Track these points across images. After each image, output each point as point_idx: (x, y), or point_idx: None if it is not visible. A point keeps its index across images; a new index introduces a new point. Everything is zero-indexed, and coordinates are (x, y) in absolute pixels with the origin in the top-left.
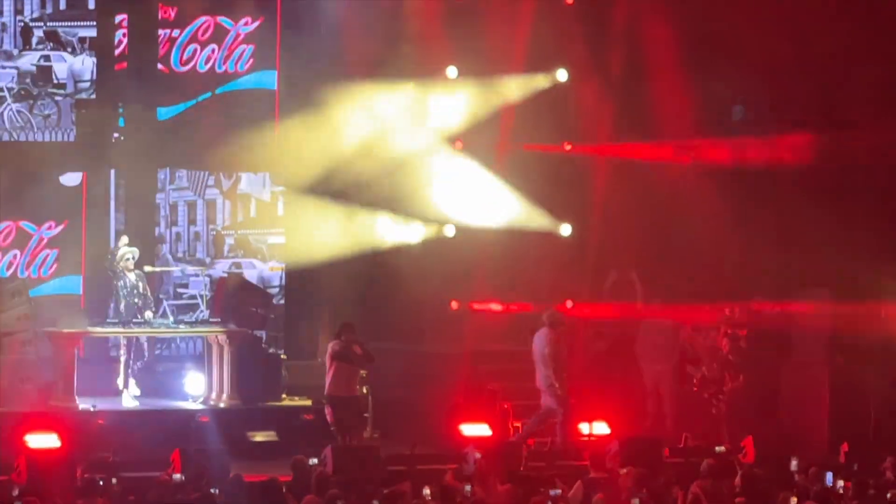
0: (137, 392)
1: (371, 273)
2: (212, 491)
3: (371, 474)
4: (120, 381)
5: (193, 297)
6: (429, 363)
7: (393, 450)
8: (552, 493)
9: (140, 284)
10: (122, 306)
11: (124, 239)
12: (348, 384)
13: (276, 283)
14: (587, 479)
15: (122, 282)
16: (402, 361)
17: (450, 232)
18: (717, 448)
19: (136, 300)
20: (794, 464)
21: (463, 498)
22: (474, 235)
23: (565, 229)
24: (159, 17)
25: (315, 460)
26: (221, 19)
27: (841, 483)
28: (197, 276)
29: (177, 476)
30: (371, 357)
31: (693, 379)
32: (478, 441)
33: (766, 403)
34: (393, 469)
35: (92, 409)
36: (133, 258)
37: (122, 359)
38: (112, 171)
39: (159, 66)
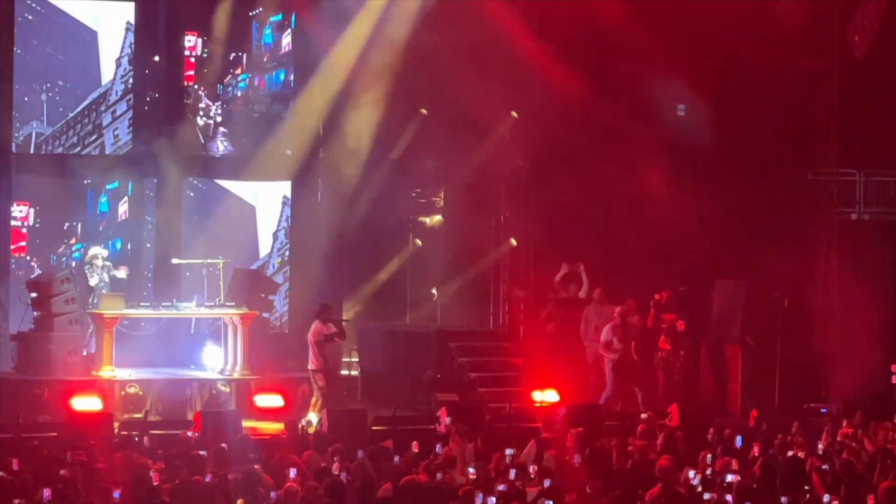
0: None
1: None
2: (223, 446)
3: (360, 433)
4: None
5: None
6: (409, 339)
7: (378, 413)
8: (507, 452)
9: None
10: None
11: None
12: (334, 359)
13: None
14: (539, 439)
15: (96, 280)
16: (386, 339)
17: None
18: (641, 415)
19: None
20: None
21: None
22: None
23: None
24: None
25: (304, 421)
26: None
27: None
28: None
29: (195, 434)
30: (344, 334)
31: (659, 354)
32: (449, 406)
33: (691, 375)
34: (377, 429)
35: (128, 378)
36: (102, 258)
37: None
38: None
39: None
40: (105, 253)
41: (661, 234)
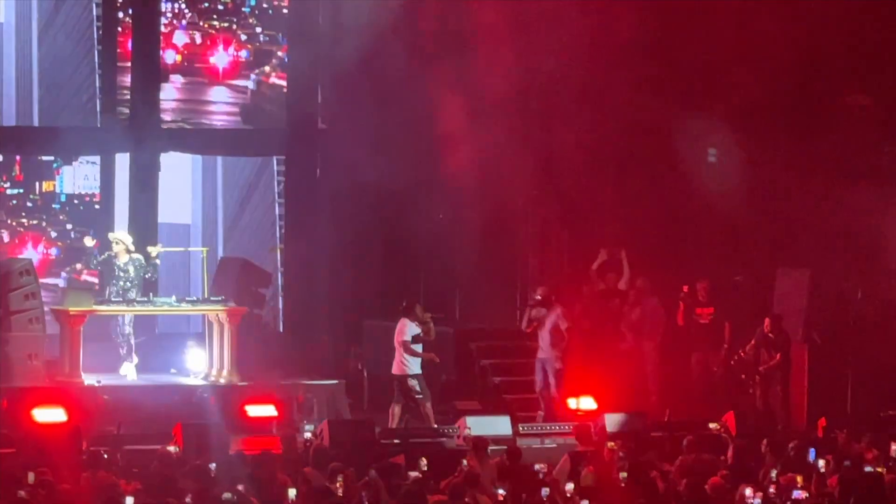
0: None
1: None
2: (210, 466)
3: (366, 447)
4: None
5: None
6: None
7: (386, 424)
8: (536, 467)
9: (131, 269)
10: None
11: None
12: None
13: None
14: (574, 453)
15: (113, 266)
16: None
17: None
18: (710, 425)
19: (124, 283)
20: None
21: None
22: None
23: None
24: None
25: (308, 434)
26: None
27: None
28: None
29: (174, 449)
30: (431, 332)
31: (730, 360)
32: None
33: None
34: (387, 442)
35: (97, 384)
36: (122, 243)
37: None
38: None
39: None
40: (128, 238)
41: (714, 214)
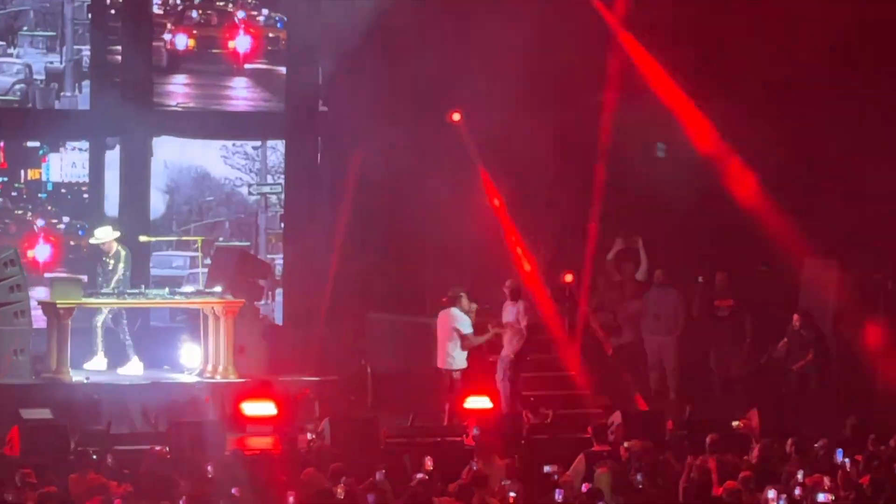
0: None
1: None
2: (207, 468)
3: (370, 447)
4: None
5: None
6: (429, 334)
7: (391, 422)
8: (546, 469)
9: (110, 262)
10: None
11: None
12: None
13: None
14: (590, 453)
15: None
16: (400, 332)
17: None
18: (733, 423)
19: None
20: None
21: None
22: None
23: None
24: None
25: (311, 435)
26: None
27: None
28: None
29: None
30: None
31: (759, 359)
32: (479, 414)
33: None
34: (392, 441)
35: (85, 381)
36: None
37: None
38: None
39: None
40: (106, 233)
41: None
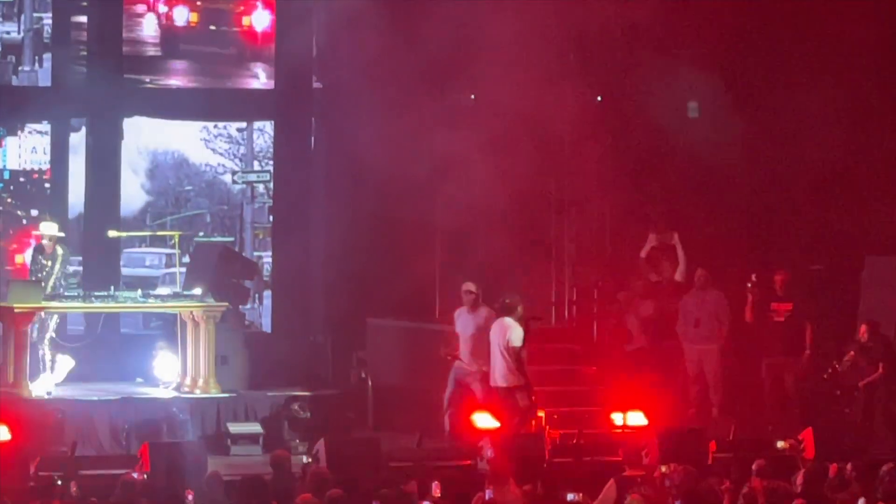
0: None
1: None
2: (187, 494)
3: (372, 471)
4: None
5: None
6: (438, 342)
7: (395, 443)
8: (569, 497)
9: (47, 264)
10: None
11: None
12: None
13: None
14: (621, 478)
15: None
16: (406, 341)
17: None
18: (778, 443)
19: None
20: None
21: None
22: None
23: None
24: None
25: (306, 458)
26: None
27: None
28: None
29: (141, 475)
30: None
31: (822, 374)
32: (492, 434)
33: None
34: (396, 465)
35: (47, 396)
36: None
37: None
38: None
39: None
40: (50, 228)
41: (788, 191)
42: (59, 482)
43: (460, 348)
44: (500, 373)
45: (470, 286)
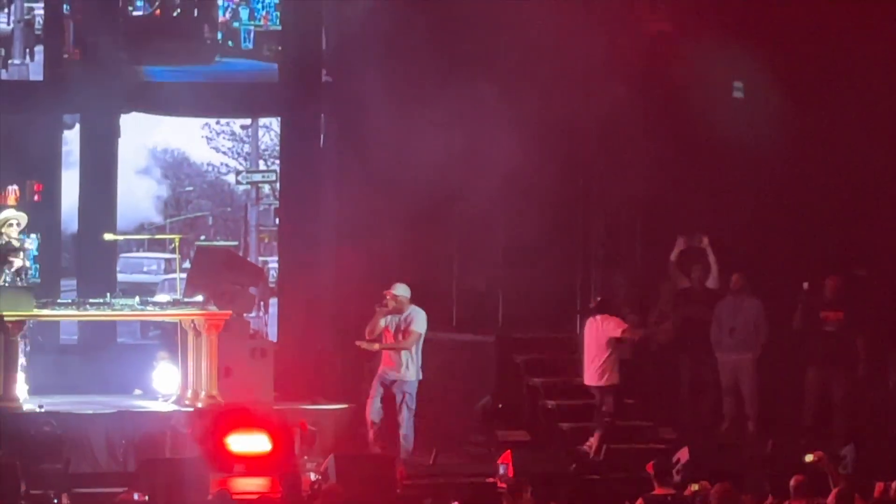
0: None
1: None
2: None
3: (385, 490)
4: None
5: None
6: (455, 352)
7: (410, 459)
8: None
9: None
10: None
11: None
12: None
13: None
14: (650, 497)
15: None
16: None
17: None
18: (806, 457)
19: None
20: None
21: None
22: None
23: None
24: None
25: (314, 476)
26: None
27: None
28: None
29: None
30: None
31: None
32: (516, 448)
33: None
34: (410, 483)
35: (39, 410)
36: (18, 224)
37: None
38: None
39: None
40: (23, 218)
41: (830, 194)
42: (56, 501)
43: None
44: (603, 372)
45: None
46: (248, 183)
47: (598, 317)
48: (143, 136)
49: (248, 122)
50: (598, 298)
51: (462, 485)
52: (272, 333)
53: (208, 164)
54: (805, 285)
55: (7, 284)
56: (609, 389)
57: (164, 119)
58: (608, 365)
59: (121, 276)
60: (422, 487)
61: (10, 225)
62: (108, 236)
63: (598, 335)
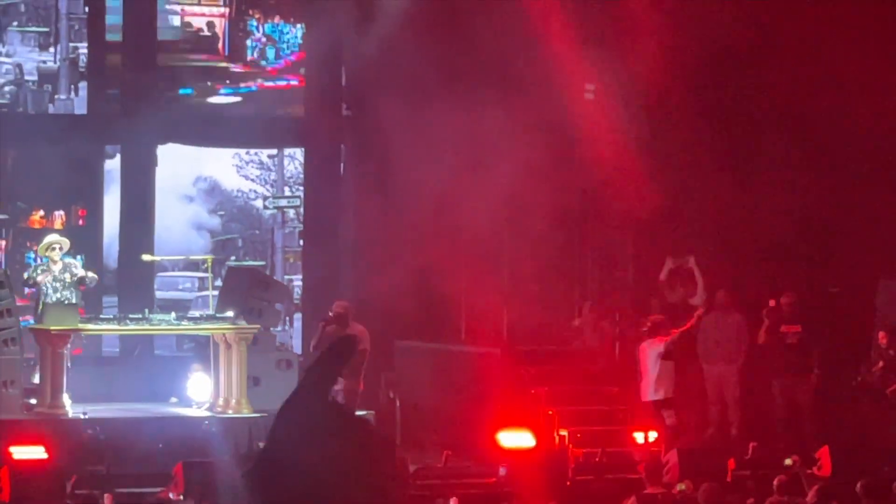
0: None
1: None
2: None
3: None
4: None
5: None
6: (465, 364)
7: (421, 461)
8: None
9: (66, 277)
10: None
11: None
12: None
13: None
14: (642, 496)
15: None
16: (432, 362)
17: None
18: (785, 461)
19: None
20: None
21: None
22: None
23: None
24: None
25: None
26: None
27: None
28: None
29: (177, 494)
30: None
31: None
32: (519, 452)
33: (843, 407)
34: (422, 483)
35: (83, 417)
36: (60, 248)
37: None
38: None
39: None
40: (66, 242)
41: (802, 216)
42: (99, 500)
43: None
44: (658, 385)
45: (337, 306)
46: (274, 208)
47: (650, 339)
48: (189, 165)
49: (274, 152)
50: (650, 323)
51: (475, 485)
52: (297, 346)
53: (238, 191)
54: (771, 302)
55: (54, 302)
56: (664, 403)
57: (198, 149)
58: (661, 380)
59: (158, 294)
60: (434, 488)
61: (53, 248)
62: (145, 257)
63: (650, 354)
